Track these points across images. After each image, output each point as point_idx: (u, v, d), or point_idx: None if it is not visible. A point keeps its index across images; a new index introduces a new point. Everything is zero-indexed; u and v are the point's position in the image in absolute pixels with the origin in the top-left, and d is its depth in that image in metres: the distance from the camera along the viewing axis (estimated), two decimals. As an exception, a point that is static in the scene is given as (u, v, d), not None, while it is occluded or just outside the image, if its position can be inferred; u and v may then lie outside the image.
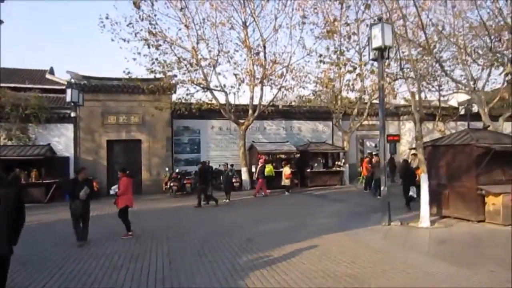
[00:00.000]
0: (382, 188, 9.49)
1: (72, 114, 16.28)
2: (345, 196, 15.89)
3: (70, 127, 17.83)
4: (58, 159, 17.51)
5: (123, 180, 9.37)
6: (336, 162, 21.28)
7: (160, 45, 15.60)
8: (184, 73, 16.86)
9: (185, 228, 9.93)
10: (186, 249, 7.68)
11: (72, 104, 16.20)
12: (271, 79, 17.92)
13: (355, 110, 21.33)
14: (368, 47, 9.58)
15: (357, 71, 10.27)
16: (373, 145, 28.04)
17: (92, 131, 18.09)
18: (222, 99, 19.05)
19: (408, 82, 9.71)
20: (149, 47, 15.48)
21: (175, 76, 17.67)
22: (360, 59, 12.92)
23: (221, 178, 15.85)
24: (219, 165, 18.34)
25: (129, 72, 15.82)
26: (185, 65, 16.49)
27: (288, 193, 17.00)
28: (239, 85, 17.94)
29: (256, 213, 12.25)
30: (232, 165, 19.40)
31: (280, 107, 21.94)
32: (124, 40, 16.18)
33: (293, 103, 21.52)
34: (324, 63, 11.93)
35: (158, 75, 16.38)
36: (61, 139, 17.95)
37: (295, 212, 12.39)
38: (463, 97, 27.81)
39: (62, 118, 17.83)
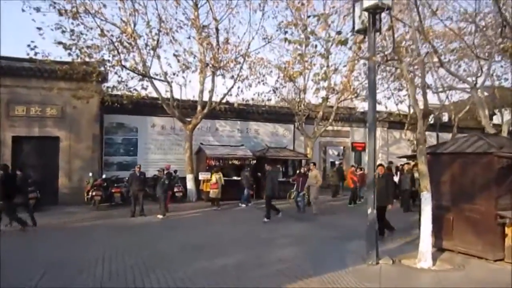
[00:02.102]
0: (369, 211, 6.69)
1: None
2: (309, 212, 13.12)
3: (-38, 118, 13.81)
4: None
5: None
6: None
7: (77, 13, 12.00)
8: (114, 55, 13.35)
9: (81, 262, 6.56)
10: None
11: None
12: (224, 67, 14.84)
13: (320, 113, 18.79)
14: (353, 14, 6.81)
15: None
16: (336, 153, 25.88)
17: (-8, 125, 14.11)
18: (165, 92, 15.81)
19: (403, 65, 7.04)
20: (60, 15, 11.86)
21: (108, 61, 14.13)
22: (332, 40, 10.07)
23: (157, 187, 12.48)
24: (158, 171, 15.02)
25: (35, 47, 12.07)
26: (113, 43, 12.95)
27: (217, 208, 13.82)
28: (183, 71, 14.73)
29: (196, 236, 9.08)
30: (175, 171, 16.20)
31: (236, 105, 18.97)
32: (37, 9, 12.49)
33: (250, 101, 18.60)
34: (290, 42, 9.10)
35: (74, 53, 12.72)
36: (-51, 133, 13.79)
37: (249, 235, 9.38)
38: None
39: (-49, 106, 13.71)
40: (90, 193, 13.56)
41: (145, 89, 14.53)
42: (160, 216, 11.60)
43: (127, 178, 14.80)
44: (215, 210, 13.56)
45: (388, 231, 9.00)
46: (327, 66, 15.36)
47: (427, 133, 23.99)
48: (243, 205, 14.69)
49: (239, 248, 7.93)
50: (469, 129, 24.46)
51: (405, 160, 22.36)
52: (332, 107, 19.72)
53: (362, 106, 22.05)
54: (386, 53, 6.94)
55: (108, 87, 14.97)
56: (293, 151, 19.08)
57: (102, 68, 14.24)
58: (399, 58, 7.03)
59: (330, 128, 20.48)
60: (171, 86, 15.50)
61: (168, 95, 15.75)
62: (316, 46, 8.58)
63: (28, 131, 14.45)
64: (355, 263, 6.73)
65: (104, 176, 14.74)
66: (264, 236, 9.25)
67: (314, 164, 13.94)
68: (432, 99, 22.64)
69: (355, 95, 17.43)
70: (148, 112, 17.19)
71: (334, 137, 22.35)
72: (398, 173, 16.03)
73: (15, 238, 8.76)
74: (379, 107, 20.64)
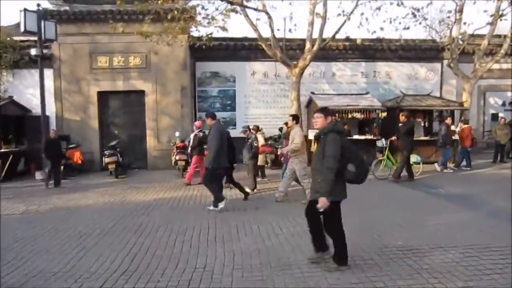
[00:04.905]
0: None
1: (33, 52, 10.81)
2: (472, 189, 8.38)
3: (49, 73, 12.59)
4: (32, 118, 12.49)
5: None
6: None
7: None
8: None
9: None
10: None
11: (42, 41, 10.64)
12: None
13: (485, 42, 12.98)
14: None
15: None
16: (501, 102, 19.25)
17: (78, 79, 12.64)
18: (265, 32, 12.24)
19: None
20: None
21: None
22: None
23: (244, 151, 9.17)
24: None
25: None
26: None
27: (263, 178, 9.97)
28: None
29: (288, 235, 5.56)
30: (281, 129, 12.90)
31: (358, 41, 14.40)
32: None
33: (379, 35, 13.64)
34: None
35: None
36: (37, 91, 12.78)
37: (386, 238, 5.48)
38: None
39: (35, 61, 12.56)
40: (174, 157, 11.20)
41: (225, 18, 10.80)
42: (248, 190, 8.45)
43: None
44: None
45: None
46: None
47: None
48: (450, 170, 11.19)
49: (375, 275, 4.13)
50: None
51: None
52: (500, 36, 13.69)
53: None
54: None
55: (192, 27, 12.05)
56: (440, 99, 13.82)
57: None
58: None
59: (495, 66, 14.44)
60: (270, 17, 11.83)
61: (269, 32, 12.15)
62: None
63: (112, 85, 12.69)
64: None
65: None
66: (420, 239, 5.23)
67: (295, 117, 7.68)
68: None
69: None
70: (246, 57, 14.04)
71: (502, 79, 15.94)
72: None
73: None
74: None
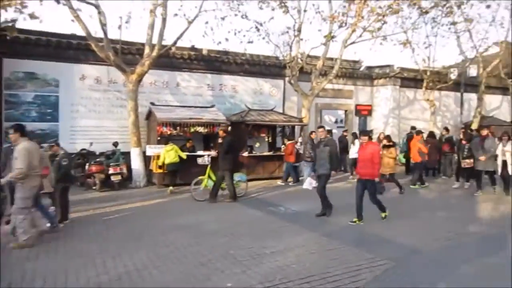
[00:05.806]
0: None
1: None
2: (309, 206, 8.16)
3: None
4: None
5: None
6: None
7: None
8: None
9: None
10: None
11: None
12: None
13: (320, 62, 13.78)
14: None
15: None
16: (334, 120, 21.16)
17: None
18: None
19: None
20: None
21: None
22: None
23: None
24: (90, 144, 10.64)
25: None
26: None
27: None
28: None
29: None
30: (116, 144, 11.17)
31: (204, 51, 13.76)
32: None
33: (224, 45, 13.17)
34: None
35: None
36: None
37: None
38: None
39: None
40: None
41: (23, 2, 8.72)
42: (48, 225, 6.46)
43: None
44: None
45: None
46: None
47: (443, 93, 19.82)
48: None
49: None
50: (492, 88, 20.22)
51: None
52: (332, 59, 14.79)
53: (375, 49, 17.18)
54: None
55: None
56: (283, 114, 14.07)
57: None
58: None
59: (329, 86, 15.61)
60: (100, 12, 10.13)
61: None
62: None
63: None
64: None
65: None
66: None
67: (19, 127, 5.58)
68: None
69: (381, 22, 12.20)
70: (75, 58, 11.79)
71: (334, 98, 17.40)
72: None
73: None
74: (390, 59, 15.85)
